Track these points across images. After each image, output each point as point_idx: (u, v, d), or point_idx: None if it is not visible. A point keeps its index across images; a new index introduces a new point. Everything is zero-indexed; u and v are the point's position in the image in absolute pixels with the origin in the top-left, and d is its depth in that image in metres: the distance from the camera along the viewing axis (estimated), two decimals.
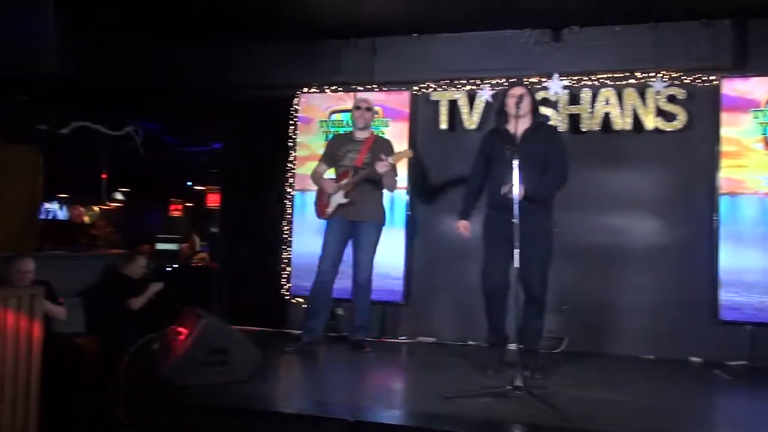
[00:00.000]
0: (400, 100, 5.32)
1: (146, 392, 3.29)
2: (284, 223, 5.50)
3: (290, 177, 5.49)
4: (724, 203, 4.60)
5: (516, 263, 3.41)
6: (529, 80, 4.92)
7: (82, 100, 6.06)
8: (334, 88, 5.44)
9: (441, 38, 5.22)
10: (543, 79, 4.96)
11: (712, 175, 4.64)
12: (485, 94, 5.09)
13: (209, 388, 3.30)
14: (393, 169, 4.39)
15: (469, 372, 3.99)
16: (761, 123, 4.58)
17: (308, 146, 5.47)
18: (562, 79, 4.90)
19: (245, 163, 5.89)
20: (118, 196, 12.25)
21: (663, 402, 3.53)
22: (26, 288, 3.64)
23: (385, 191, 4.57)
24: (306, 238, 5.29)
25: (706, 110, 4.69)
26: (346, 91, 5.37)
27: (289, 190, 5.49)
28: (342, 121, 5.40)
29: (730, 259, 4.55)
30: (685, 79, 4.71)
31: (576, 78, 4.91)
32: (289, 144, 5.52)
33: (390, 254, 5.07)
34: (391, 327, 5.22)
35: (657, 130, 4.77)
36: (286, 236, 5.47)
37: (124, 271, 5.47)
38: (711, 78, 4.68)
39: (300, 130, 5.51)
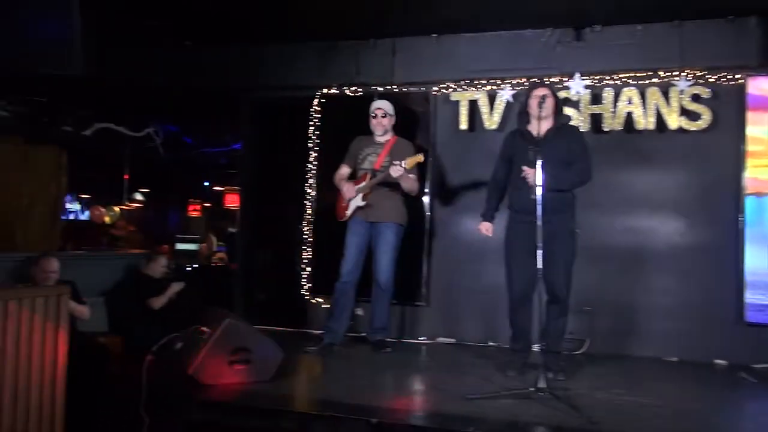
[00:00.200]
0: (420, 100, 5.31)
1: (169, 391, 3.31)
2: (304, 223, 5.51)
3: (310, 177, 5.50)
4: (749, 204, 4.54)
5: (539, 264, 3.39)
6: (550, 80, 4.88)
7: (104, 101, 6.13)
8: (353, 89, 5.44)
9: (461, 38, 5.21)
10: (564, 79, 4.92)
11: (738, 175, 4.58)
12: (506, 94, 5.06)
13: (233, 388, 3.31)
14: (409, 172, 4.38)
15: (490, 373, 3.97)
16: None
17: None
18: (583, 79, 4.87)
19: (265, 163, 5.91)
20: (138, 196, 12.37)
21: (688, 405, 3.49)
22: (52, 287, 3.68)
23: (408, 193, 4.57)
24: (326, 239, 5.30)
25: (731, 109, 4.63)
26: (365, 92, 5.38)
27: (308, 190, 5.51)
28: None
29: (755, 260, 4.49)
30: (710, 77, 4.65)
31: (598, 77, 4.86)
32: (309, 144, 5.53)
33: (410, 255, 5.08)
34: (411, 327, 5.21)
35: (681, 130, 4.71)
36: (306, 236, 5.48)
37: (145, 271, 5.52)
38: (736, 76, 4.61)
39: None
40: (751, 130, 4.56)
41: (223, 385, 3.33)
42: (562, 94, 4.81)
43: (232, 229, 10.65)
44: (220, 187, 12.66)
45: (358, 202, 4.52)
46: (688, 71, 4.68)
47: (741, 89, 4.61)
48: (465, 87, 5.20)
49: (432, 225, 5.24)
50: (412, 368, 4.37)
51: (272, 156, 5.87)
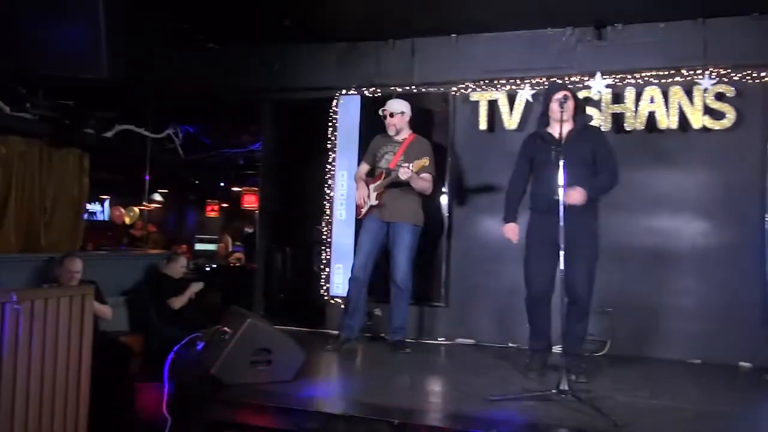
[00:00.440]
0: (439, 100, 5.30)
1: (191, 390, 3.33)
2: (323, 223, 5.52)
3: (329, 178, 5.51)
4: None
5: (561, 266, 3.37)
6: (571, 79, 4.85)
7: (126, 103, 6.19)
8: (372, 89, 5.44)
9: (480, 38, 5.19)
10: (585, 78, 4.88)
11: (762, 175, 4.51)
12: (526, 94, 5.03)
13: (254, 387, 3.33)
14: (420, 173, 4.38)
15: (511, 374, 3.95)
16: None
17: None
18: (604, 78, 4.82)
19: (284, 164, 5.93)
20: (157, 197, 12.49)
21: (712, 408, 3.43)
22: (77, 287, 3.72)
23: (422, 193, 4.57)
24: (345, 239, 5.31)
25: (756, 108, 4.56)
26: (384, 92, 5.37)
27: (328, 191, 5.52)
28: None
29: None
30: (734, 75, 4.58)
31: (619, 76, 4.81)
32: (328, 145, 5.54)
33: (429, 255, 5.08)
34: (430, 328, 5.20)
35: (704, 129, 4.64)
36: (326, 236, 5.50)
37: (165, 271, 5.57)
38: (761, 74, 4.54)
39: None
40: None
41: (245, 385, 3.34)
42: (582, 94, 4.78)
43: (249, 230, 10.72)
44: (237, 188, 12.74)
45: (372, 200, 4.56)
46: (712, 69, 4.61)
47: (766, 87, 4.53)
48: (484, 87, 5.18)
49: (451, 225, 5.22)
50: (432, 369, 4.36)
51: (291, 156, 5.90)
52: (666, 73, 4.71)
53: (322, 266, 5.50)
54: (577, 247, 3.57)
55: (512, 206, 4.00)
